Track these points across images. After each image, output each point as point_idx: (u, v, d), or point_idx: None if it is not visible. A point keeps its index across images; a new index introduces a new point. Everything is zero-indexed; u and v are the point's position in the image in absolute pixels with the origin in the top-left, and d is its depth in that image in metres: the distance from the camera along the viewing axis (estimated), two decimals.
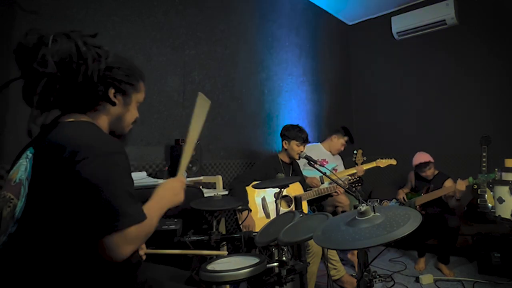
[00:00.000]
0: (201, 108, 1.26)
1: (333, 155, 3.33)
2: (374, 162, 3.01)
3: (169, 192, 1.05)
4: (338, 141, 3.27)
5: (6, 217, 0.87)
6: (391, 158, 3.07)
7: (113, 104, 1.00)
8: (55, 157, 0.84)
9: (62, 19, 2.03)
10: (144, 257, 1.33)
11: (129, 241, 0.82)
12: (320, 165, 2.19)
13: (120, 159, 0.89)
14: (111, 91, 1.00)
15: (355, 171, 2.94)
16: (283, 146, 2.71)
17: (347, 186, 2.17)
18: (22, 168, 0.90)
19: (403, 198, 3.20)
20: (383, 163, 3.04)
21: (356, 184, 2.76)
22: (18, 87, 0.91)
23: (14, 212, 0.87)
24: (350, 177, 2.81)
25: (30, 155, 0.90)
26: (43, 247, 0.84)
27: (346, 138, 3.26)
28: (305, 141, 2.65)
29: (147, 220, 0.87)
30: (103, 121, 1.02)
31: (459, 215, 3.16)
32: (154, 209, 0.95)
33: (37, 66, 0.85)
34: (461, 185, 2.86)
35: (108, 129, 1.04)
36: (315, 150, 3.29)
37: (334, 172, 3.04)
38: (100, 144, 0.88)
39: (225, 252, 1.48)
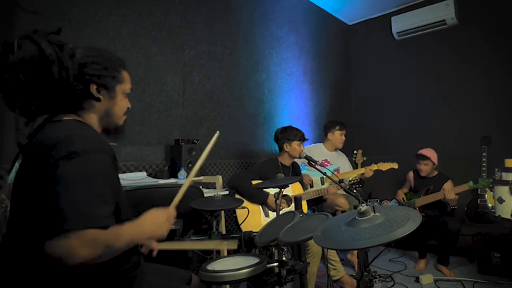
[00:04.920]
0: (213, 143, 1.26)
1: (340, 149, 3.32)
2: (375, 165, 2.99)
3: (149, 221, 0.95)
4: (334, 136, 3.26)
5: (0, 218, 0.87)
6: (393, 162, 3.05)
7: (98, 100, 0.98)
8: (36, 156, 0.84)
9: (62, 19, 2.03)
10: (155, 253, 1.29)
11: (86, 243, 0.75)
12: (321, 165, 2.19)
13: (98, 158, 0.86)
14: (93, 87, 0.97)
15: (363, 171, 2.93)
16: (283, 149, 2.70)
17: (347, 187, 2.17)
18: (14, 170, 0.91)
19: (403, 199, 3.20)
20: (384, 166, 3.01)
21: (357, 186, 2.76)
22: None
23: (6, 213, 0.87)
24: (351, 179, 2.81)
25: (20, 156, 0.91)
26: (34, 247, 0.83)
27: (337, 127, 3.26)
28: (304, 139, 2.67)
29: (113, 232, 0.81)
30: (92, 118, 1.00)
31: (459, 216, 3.16)
32: (128, 228, 0.88)
33: (8, 76, 0.83)
34: (450, 194, 2.85)
35: (99, 125, 1.03)
36: (317, 150, 3.28)
37: (335, 173, 3.03)
38: (79, 141, 0.85)
39: (235, 244, 1.48)
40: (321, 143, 3.38)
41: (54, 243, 0.75)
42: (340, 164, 3.28)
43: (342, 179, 2.92)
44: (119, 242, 0.83)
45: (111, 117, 1.04)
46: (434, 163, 3.13)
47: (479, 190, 3.06)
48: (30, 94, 0.86)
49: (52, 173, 0.79)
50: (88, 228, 0.76)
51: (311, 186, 2.85)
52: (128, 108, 1.09)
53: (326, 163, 3.18)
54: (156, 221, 0.97)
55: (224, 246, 1.44)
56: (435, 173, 3.20)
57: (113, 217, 0.84)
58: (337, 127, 3.25)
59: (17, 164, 0.91)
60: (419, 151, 3.19)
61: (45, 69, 0.85)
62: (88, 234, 0.76)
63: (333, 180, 2.06)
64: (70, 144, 0.82)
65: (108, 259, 0.82)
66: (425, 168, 3.15)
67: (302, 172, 2.96)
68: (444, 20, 3.91)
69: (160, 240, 1.27)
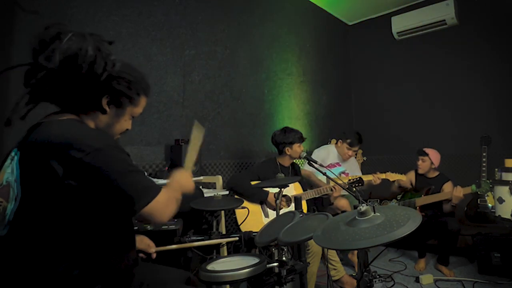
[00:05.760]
0: (196, 136, 1.29)
1: (344, 160, 3.29)
2: (384, 174, 2.97)
3: (183, 178, 1.12)
4: (342, 146, 3.21)
5: None
6: (401, 174, 3.02)
7: (104, 112, 0.99)
8: (52, 155, 0.83)
9: (62, 19, 2.03)
10: (154, 255, 1.33)
11: (166, 203, 0.95)
12: (321, 165, 2.19)
13: (119, 146, 0.93)
14: (105, 100, 0.98)
15: (371, 178, 2.91)
16: (284, 152, 2.69)
17: (347, 186, 2.17)
18: (8, 170, 0.89)
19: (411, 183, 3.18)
20: (392, 176, 2.99)
21: (356, 185, 2.75)
22: (18, 87, 0.91)
23: (4, 215, 0.86)
24: (350, 178, 2.81)
25: (16, 157, 0.89)
26: (38, 247, 0.84)
27: (348, 140, 3.21)
28: (303, 139, 2.67)
29: (169, 188, 1.00)
30: (90, 124, 1.00)
31: (459, 216, 3.16)
32: (173, 185, 1.07)
33: (42, 59, 0.86)
34: (459, 191, 2.84)
35: None
36: (331, 152, 3.27)
37: (343, 176, 3.04)
38: (101, 137, 0.90)
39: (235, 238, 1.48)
40: (333, 145, 3.36)
41: (144, 216, 0.90)
42: (350, 168, 3.27)
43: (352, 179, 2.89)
44: (178, 193, 1.04)
45: (109, 132, 1.04)
46: (432, 162, 3.12)
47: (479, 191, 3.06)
48: (48, 81, 0.88)
49: (95, 168, 0.84)
50: (155, 197, 0.91)
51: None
52: (127, 129, 1.10)
53: (337, 165, 3.18)
54: (187, 178, 1.14)
55: None
56: (436, 173, 3.20)
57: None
58: (348, 141, 3.18)
59: (10, 165, 0.89)
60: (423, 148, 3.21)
61: (77, 67, 0.88)
62: (163, 197, 0.93)
63: (333, 181, 2.06)
64: (88, 141, 0.86)
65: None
66: (422, 165, 3.15)
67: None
68: (444, 20, 3.91)
69: (158, 244, 1.33)
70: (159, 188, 0.94)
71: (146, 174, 1.00)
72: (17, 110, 0.88)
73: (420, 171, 3.18)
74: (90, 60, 0.89)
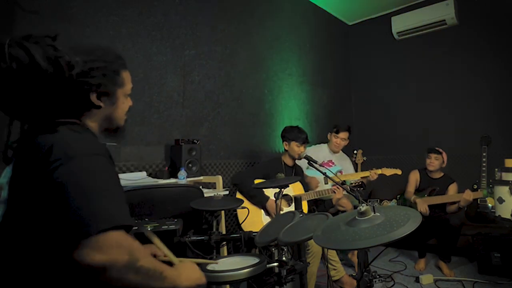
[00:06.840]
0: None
1: (335, 153, 3.31)
2: (380, 170, 2.98)
3: (187, 272, 0.89)
4: (331, 137, 3.25)
5: None
6: (396, 168, 3.04)
7: (99, 107, 0.94)
8: (32, 159, 0.80)
9: (62, 19, 2.03)
10: None
11: (116, 247, 0.70)
12: (320, 165, 2.19)
13: (99, 161, 0.82)
14: (93, 96, 0.92)
15: (368, 174, 2.91)
16: (284, 148, 2.72)
17: (349, 188, 2.18)
18: (3, 173, 0.87)
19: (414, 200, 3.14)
20: (388, 171, 3.00)
21: (358, 188, 2.76)
22: None
23: None
24: (352, 181, 2.81)
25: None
26: (25, 254, 0.81)
27: (334, 129, 3.22)
28: (304, 141, 2.66)
29: (142, 248, 0.76)
30: (92, 123, 0.96)
31: (459, 216, 3.16)
32: (162, 264, 0.80)
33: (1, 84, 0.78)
34: (469, 195, 2.83)
35: (100, 127, 0.99)
36: (323, 151, 3.28)
37: (339, 174, 3.03)
38: (78, 145, 0.81)
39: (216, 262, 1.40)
40: (326, 144, 3.37)
41: (82, 251, 0.69)
42: (343, 166, 3.28)
43: (344, 181, 2.90)
44: (144, 261, 0.73)
45: (113, 121, 1.01)
46: (444, 161, 3.12)
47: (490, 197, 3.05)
48: (25, 102, 0.82)
49: (53, 180, 0.75)
50: (113, 228, 0.70)
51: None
52: (129, 106, 1.05)
53: (331, 164, 3.18)
54: (192, 276, 0.90)
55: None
56: (441, 174, 3.19)
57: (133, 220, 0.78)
58: (334, 130, 3.23)
59: (8, 169, 0.86)
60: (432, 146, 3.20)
61: (41, 81, 0.80)
62: (122, 237, 0.71)
63: (334, 181, 2.05)
64: (67, 149, 0.79)
65: (128, 283, 0.71)
66: (435, 163, 3.11)
67: (310, 175, 2.95)
68: (444, 20, 3.91)
69: None
70: (122, 222, 0.73)
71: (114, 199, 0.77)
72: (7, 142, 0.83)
73: (431, 168, 3.14)
74: (49, 71, 0.80)
